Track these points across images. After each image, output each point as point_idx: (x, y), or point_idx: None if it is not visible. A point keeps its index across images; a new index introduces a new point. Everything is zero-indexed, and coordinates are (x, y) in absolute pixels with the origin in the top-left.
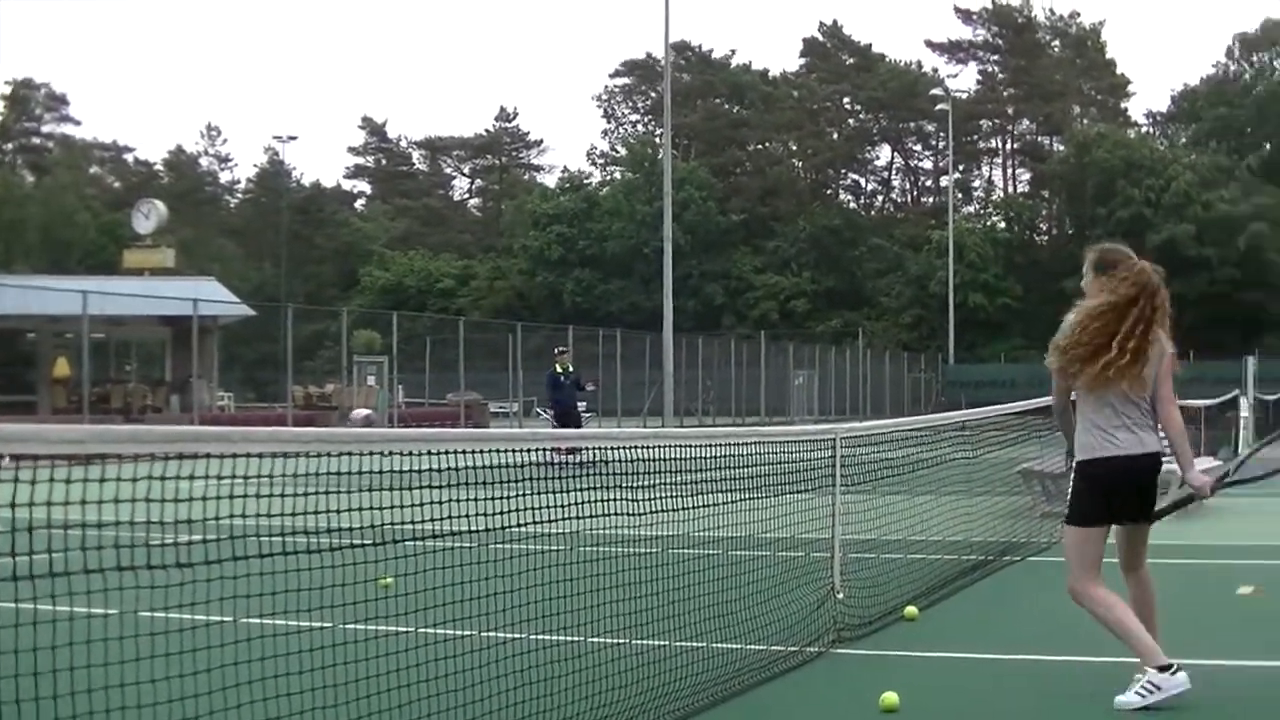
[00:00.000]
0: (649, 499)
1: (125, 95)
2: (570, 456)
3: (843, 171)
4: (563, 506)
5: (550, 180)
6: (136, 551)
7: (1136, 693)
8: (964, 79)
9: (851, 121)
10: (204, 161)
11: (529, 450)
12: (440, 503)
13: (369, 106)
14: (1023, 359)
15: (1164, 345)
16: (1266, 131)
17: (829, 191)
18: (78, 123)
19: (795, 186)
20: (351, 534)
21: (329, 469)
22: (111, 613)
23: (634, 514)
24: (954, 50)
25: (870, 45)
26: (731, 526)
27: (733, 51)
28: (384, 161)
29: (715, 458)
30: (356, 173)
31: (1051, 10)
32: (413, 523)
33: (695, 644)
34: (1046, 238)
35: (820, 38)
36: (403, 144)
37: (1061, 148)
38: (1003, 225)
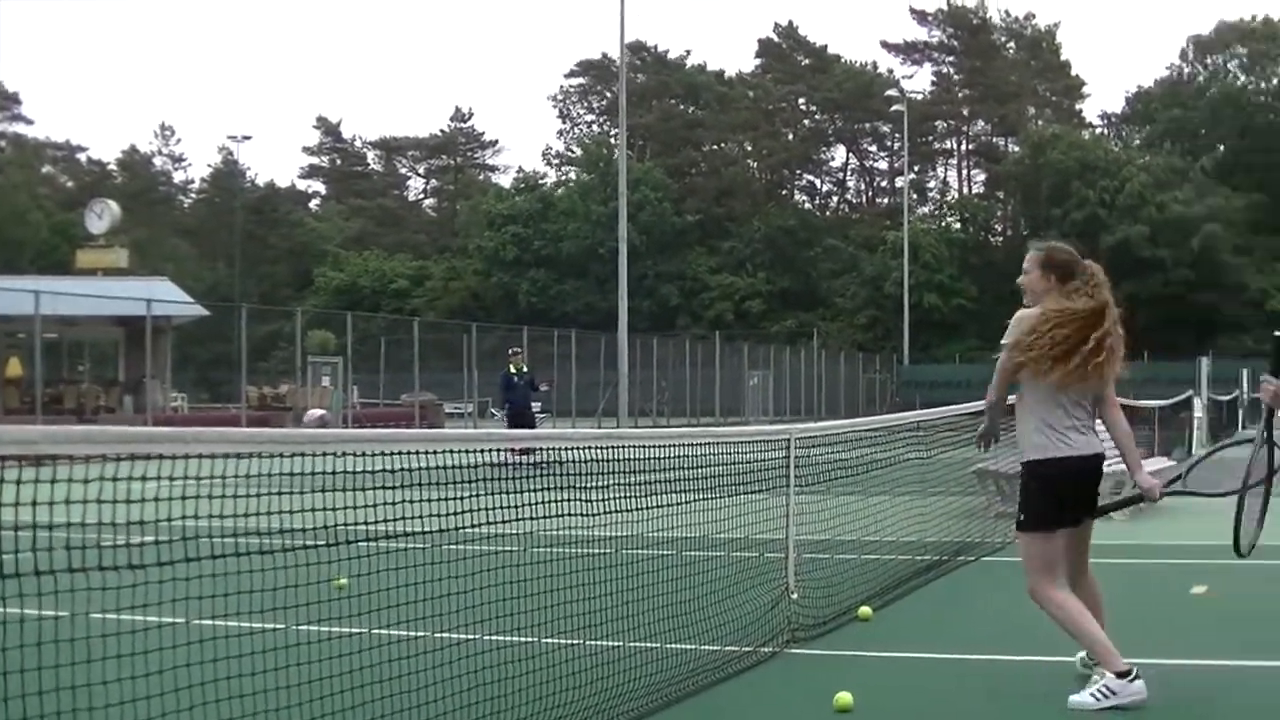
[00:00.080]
0: (603, 499)
1: (78, 94)
2: (524, 457)
3: (798, 172)
4: (517, 507)
5: (505, 180)
6: (88, 553)
7: (1092, 694)
8: (919, 80)
9: (807, 122)
10: (158, 161)
11: (483, 451)
12: (394, 503)
13: (324, 106)
14: (978, 359)
15: None
16: (1220, 133)
17: (784, 192)
18: (30, 122)
19: (750, 187)
20: (305, 535)
21: (282, 469)
22: (63, 614)
23: (588, 514)
24: (909, 51)
25: (825, 46)
26: (686, 527)
27: (688, 52)
28: (339, 161)
29: (670, 458)
30: (311, 173)
31: (1006, 12)
32: (367, 523)
33: (650, 644)
34: (1001, 239)
35: (776, 38)
36: (357, 144)
37: (1016, 149)
38: (958, 226)
